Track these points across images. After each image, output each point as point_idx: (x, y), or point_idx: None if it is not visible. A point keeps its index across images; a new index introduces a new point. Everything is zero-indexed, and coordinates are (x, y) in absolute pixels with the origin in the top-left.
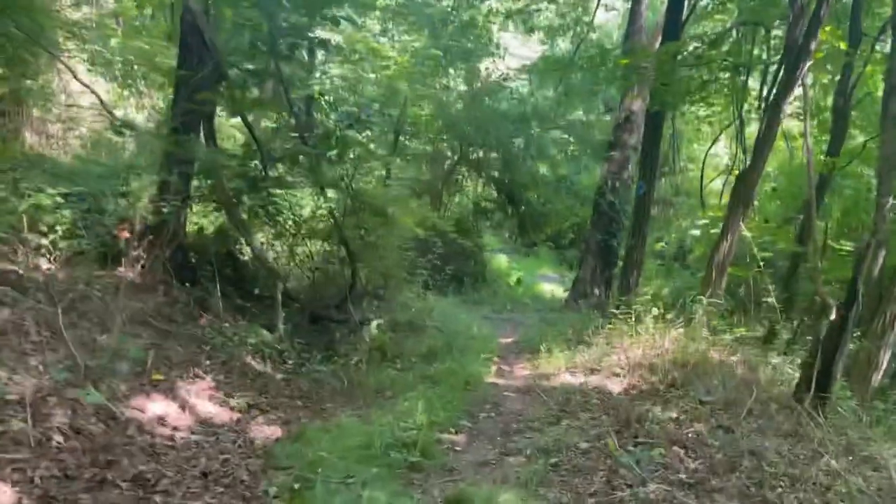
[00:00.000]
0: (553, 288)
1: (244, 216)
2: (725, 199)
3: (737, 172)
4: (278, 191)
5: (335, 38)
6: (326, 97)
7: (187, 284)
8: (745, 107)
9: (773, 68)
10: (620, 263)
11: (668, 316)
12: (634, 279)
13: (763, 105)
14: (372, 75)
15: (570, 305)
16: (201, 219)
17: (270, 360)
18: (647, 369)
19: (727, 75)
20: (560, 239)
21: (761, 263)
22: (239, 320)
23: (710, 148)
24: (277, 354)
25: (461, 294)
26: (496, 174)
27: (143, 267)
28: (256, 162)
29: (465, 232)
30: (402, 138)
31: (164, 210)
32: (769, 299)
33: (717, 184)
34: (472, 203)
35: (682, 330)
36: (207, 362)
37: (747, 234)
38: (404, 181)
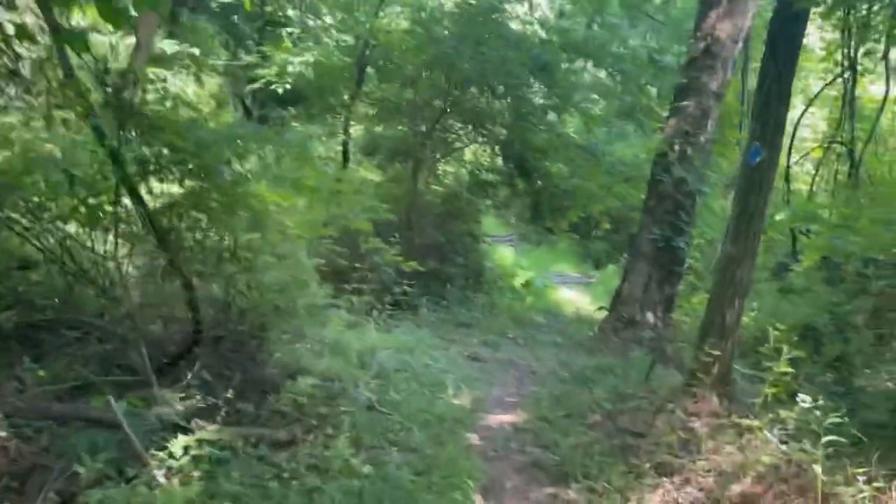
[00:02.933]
0: (576, 297)
1: None
2: (822, 183)
3: (841, 147)
4: None
5: None
6: None
7: None
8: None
9: None
10: (688, 275)
11: None
12: (735, 314)
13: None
14: None
15: (608, 337)
16: None
17: None
18: None
19: None
20: (586, 227)
21: None
22: None
23: (806, 109)
24: None
25: (440, 309)
26: (503, 133)
27: None
28: None
29: (456, 214)
30: (369, 72)
31: None
32: None
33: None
34: (468, 174)
35: None
36: None
37: None
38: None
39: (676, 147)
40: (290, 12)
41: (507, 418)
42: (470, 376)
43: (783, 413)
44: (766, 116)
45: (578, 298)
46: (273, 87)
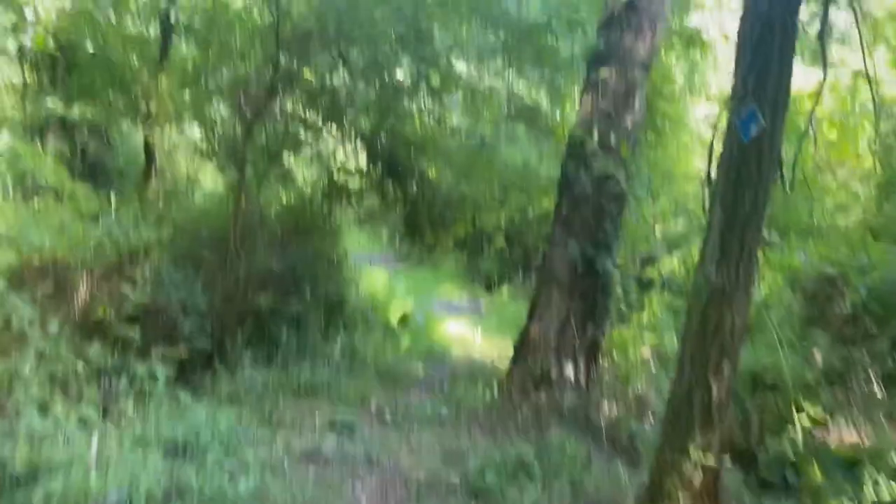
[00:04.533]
0: (466, 331)
1: None
2: None
3: None
4: None
5: None
6: None
7: None
8: None
9: None
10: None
11: None
12: (724, 387)
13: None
14: None
15: (514, 403)
16: None
17: None
18: None
19: None
20: (476, 243)
21: None
22: None
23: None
24: None
25: (273, 367)
26: (367, 124)
27: None
28: None
29: (306, 231)
30: (180, 41)
31: None
32: None
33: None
34: (322, 177)
35: None
36: None
37: None
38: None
39: (595, 134)
40: None
41: None
42: (297, 499)
43: None
44: (764, 62)
45: (469, 333)
46: None
